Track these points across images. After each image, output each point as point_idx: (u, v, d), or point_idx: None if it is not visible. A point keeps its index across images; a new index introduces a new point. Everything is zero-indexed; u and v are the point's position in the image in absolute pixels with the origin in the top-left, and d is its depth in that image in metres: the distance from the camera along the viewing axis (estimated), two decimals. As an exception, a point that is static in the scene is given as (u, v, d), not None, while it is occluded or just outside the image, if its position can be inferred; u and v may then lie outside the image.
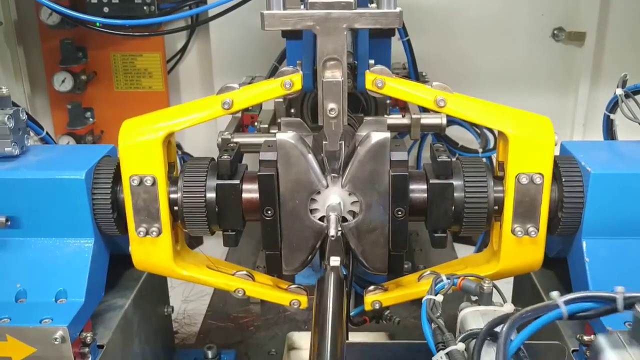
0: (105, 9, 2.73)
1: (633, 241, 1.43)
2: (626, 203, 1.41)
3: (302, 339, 2.19)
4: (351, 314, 1.65)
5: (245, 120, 2.29)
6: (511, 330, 0.92)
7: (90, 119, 3.05)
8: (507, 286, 1.75)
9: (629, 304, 0.93)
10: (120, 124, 1.47)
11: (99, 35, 2.80)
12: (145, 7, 2.74)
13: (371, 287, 1.58)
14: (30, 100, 3.13)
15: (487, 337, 0.98)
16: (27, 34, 3.05)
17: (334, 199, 1.43)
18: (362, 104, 2.10)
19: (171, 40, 3.06)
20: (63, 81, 2.92)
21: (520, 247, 1.46)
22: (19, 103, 1.98)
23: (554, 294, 0.96)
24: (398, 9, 1.30)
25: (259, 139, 1.94)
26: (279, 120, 1.85)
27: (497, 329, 0.96)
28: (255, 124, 2.21)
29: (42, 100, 3.14)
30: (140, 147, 1.42)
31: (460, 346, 1.01)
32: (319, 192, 1.43)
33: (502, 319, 0.97)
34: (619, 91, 1.58)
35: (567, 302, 0.94)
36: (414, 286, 1.56)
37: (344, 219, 1.45)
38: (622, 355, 0.88)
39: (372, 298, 1.56)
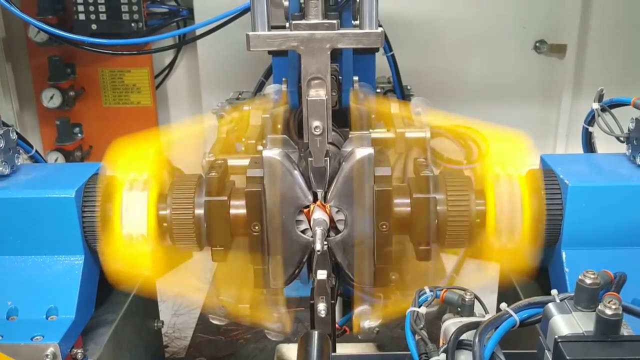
0: (93, 26, 2.75)
1: (611, 251, 1.47)
2: (604, 214, 1.45)
3: (291, 351, 2.20)
4: (338, 323, 1.68)
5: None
6: (481, 341, 0.98)
7: (79, 135, 3.07)
8: (492, 296, 1.78)
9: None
10: (109, 139, 1.50)
11: (87, 52, 2.82)
12: (133, 24, 2.76)
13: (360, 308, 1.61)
14: (18, 117, 3.14)
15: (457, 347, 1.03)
16: (16, 51, 3.07)
17: (319, 214, 1.46)
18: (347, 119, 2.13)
19: (159, 55, 3.09)
20: (51, 97, 2.93)
21: (502, 258, 1.50)
22: (7, 120, 2.00)
23: (503, 305, 1.05)
24: (380, 29, 1.34)
25: (244, 161, 1.96)
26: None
27: (465, 336, 1.03)
28: (242, 139, 2.23)
29: (31, 117, 3.16)
30: (132, 158, 1.45)
31: (442, 357, 1.04)
32: (305, 207, 1.46)
33: (468, 327, 1.05)
34: (595, 105, 1.62)
35: (516, 310, 1.02)
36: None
37: (330, 233, 1.48)
38: (568, 319, 0.96)
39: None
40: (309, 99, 1.35)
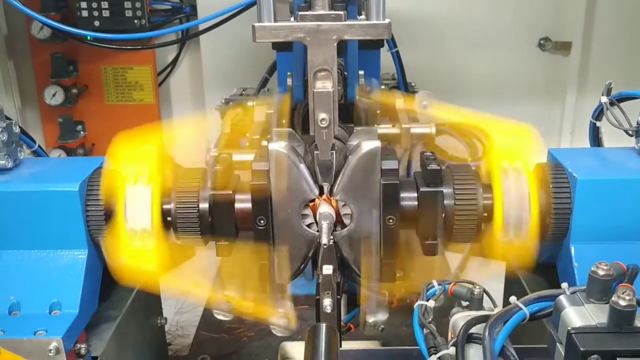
0: (96, 23, 2.75)
1: (620, 245, 1.45)
2: (612, 208, 1.44)
3: (295, 349, 2.19)
4: (343, 320, 1.66)
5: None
6: (491, 335, 0.97)
7: (82, 132, 3.06)
8: (498, 294, 1.77)
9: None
10: (112, 137, 1.48)
11: (89, 49, 2.81)
12: (135, 21, 2.76)
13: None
14: (21, 114, 3.14)
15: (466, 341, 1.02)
16: (18, 48, 3.06)
17: (325, 208, 1.44)
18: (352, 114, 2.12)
19: (162, 53, 3.08)
20: (54, 95, 2.92)
21: (509, 252, 1.48)
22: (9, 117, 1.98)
23: (512, 298, 1.04)
24: (387, 21, 1.33)
25: (248, 156, 1.94)
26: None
27: (474, 330, 1.02)
28: (247, 135, 2.22)
29: (33, 114, 3.15)
30: (135, 153, 1.43)
31: (452, 350, 1.03)
32: (311, 201, 1.45)
33: (477, 320, 1.04)
34: (604, 99, 1.60)
35: (525, 304, 1.02)
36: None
37: (336, 228, 1.46)
38: (580, 311, 0.95)
39: None
40: (315, 90, 1.34)
